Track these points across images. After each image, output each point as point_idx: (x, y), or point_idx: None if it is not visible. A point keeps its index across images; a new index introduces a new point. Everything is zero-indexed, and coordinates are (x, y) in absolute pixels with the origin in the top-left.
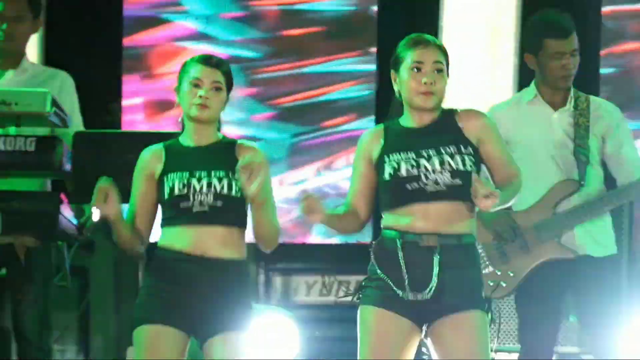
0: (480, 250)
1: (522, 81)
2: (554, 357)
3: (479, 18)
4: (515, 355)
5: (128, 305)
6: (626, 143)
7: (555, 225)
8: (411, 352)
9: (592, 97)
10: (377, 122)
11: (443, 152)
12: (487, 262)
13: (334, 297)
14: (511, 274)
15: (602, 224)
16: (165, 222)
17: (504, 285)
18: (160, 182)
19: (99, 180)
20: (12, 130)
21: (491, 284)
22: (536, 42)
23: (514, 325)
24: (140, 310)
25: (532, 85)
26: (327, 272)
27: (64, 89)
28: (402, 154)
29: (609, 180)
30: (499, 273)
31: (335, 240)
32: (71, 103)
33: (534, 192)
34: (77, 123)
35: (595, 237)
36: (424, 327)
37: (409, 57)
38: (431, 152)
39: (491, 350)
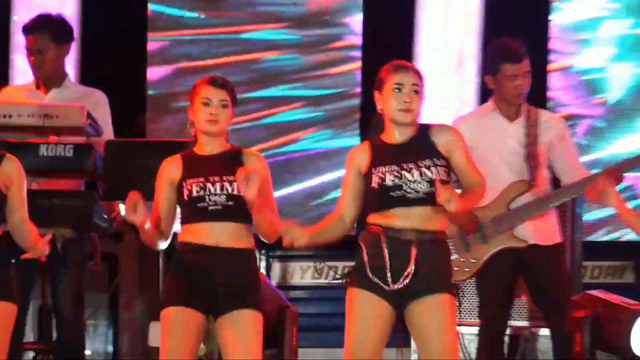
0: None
1: (483, 97)
2: (507, 330)
3: (447, 45)
4: (476, 329)
5: (151, 286)
6: (569, 150)
7: (509, 219)
8: (389, 331)
9: (541, 110)
10: (361, 132)
11: (421, 165)
12: (453, 251)
13: (325, 280)
14: (473, 261)
15: (549, 218)
16: (185, 220)
17: (467, 270)
18: (180, 187)
19: (129, 193)
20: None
21: (456, 269)
22: (494, 66)
23: (475, 303)
24: (166, 295)
25: (491, 101)
26: (319, 258)
27: (98, 104)
28: (387, 167)
29: (555, 181)
30: (462, 260)
31: None
32: (104, 116)
33: (490, 191)
34: (108, 133)
35: (543, 229)
36: (404, 308)
37: (391, 80)
38: (411, 165)
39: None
